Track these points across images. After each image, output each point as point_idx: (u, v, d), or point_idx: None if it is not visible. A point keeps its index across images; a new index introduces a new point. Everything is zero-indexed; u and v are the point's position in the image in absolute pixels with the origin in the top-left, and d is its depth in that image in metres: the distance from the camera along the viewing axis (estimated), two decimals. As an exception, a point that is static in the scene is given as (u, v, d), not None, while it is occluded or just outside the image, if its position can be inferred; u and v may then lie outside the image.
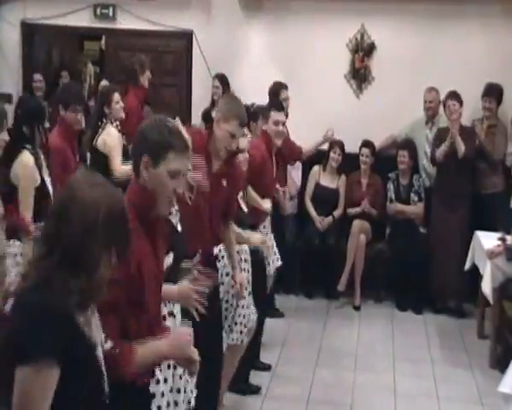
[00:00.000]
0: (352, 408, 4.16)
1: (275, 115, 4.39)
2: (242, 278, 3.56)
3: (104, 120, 4.75)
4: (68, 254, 1.58)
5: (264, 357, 4.74)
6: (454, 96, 5.63)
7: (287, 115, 5.31)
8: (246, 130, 4.52)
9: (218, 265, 3.57)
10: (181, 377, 2.63)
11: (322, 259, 5.85)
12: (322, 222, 5.95)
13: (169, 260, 2.43)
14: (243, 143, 3.72)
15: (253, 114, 4.70)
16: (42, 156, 3.80)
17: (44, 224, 1.72)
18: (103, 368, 1.70)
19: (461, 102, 5.61)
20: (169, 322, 2.74)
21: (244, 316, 3.72)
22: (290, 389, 4.35)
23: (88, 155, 4.83)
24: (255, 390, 4.26)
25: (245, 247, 3.79)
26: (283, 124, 4.46)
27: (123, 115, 4.77)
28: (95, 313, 1.72)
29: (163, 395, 2.43)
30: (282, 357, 4.82)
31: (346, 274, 5.81)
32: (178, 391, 2.54)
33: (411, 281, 5.81)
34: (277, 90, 5.55)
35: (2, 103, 3.53)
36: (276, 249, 4.79)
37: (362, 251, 5.83)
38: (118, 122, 4.76)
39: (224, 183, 3.42)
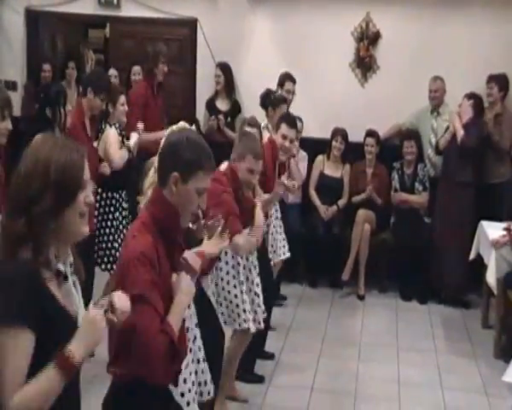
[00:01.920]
0: (355, 397, 4.16)
1: (284, 130, 4.33)
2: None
3: (104, 123, 4.68)
4: (28, 210, 1.63)
5: (268, 345, 4.74)
6: (471, 95, 5.60)
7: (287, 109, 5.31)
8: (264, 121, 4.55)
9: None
10: (203, 371, 2.76)
11: (326, 248, 5.84)
12: (326, 212, 5.94)
13: None
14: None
15: (273, 101, 4.70)
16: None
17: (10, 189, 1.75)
18: None
19: (479, 108, 5.58)
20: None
21: (253, 302, 3.71)
22: (294, 377, 4.36)
23: None
24: (259, 380, 4.27)
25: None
26: (291, 141, 4.37)
27: (124, 119, 4.70)
28: (78, 289, 1.78)
29: (185, 381, 2.51)
30: (286, 346, 4.82)
31: (351, 263, 5.81)
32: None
33: (416, 270, 5.80)
34: (283, 80, 5.52)
35: (6, 91, 3.54)
36: (285, 241, 4.78)
37: (366, 240, 5.82)
38: (117, 124, 4.68)
39: None
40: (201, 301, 3.06)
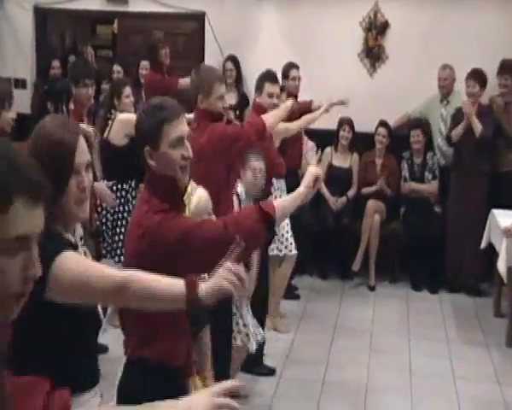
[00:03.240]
0: (367, 388, 4.17)
1: (269, 87, 4.23)
2: None
3: (113, 112, 4.71)
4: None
5: (279, 338, 4.77)
6: (475, 75, 5.55)
7: (296, 96, 5.31)
8: None
9: None
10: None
11: (336, 239, 5.84)
12: (335, 203, 5.93)
13: None
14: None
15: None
16: None
17: None
18: None
19: (482, 83, 5.53)
20: None
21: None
22: (305, 369, 4.37)
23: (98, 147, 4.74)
24: (270, 372, 4.28)
25: None
26: (277, 96, 4.31)
27: (132, 110, 4.72)
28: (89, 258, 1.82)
29: None
30: (297, 337, 4.83)
31: (361, 254, 5.80)
32: None
33: (426, 260, 5.79)
34: (287, 70, 5.51)
35: (6, 83, 3.56)
36: (291, 238, 4.77)
37: (376, 231, 5.81)
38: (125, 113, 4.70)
39: None
40: None
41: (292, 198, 2.25)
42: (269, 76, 4.31)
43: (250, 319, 3.72)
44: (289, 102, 4.09)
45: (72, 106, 3.98)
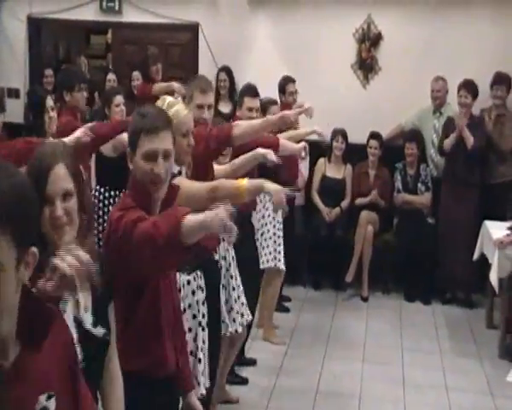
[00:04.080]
0: (360, 400, 4.16)
1: (248, 101, 4.21)
2: None
3: (105, 122, 4.69)
4: None
5: (272, 348, 4.76)
6: (467, 86, 5.59)
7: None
8: None
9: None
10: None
11: (329, 250, 5.84)
12: (329, 214, 5.94)
13: None
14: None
15: (262, 106, 4.68)
16: None
17: None
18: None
19: (474, 93, 5.57)
20: (198, 296, 2.87)
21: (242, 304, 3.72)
22: (298, 380, 4.36)
23: (93, 157, 4.71)
24: (242, 382, 4.26)
25: None
26: (257, 110, 4.26)
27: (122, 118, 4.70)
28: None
29: None
30: (290, 348, 4.82)
31: (354, 265, 5.81)
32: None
33: (419, 271, 5.80)
34: (284, 84, 5.52)
35: None
36: (277, 253, 4.75)
37: (369, 242, 5.83)
38: None
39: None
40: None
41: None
42: (248, 90, 4.30)
43: (234, 303, 3.67)
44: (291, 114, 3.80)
45: (50, 114, 3.94)
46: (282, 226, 4.83)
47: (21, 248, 1.18)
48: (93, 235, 1.99)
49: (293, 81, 5.56)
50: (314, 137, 5.69)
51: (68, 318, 1.68)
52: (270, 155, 3.27)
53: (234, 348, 3.91)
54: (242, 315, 3.67)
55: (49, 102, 3.92)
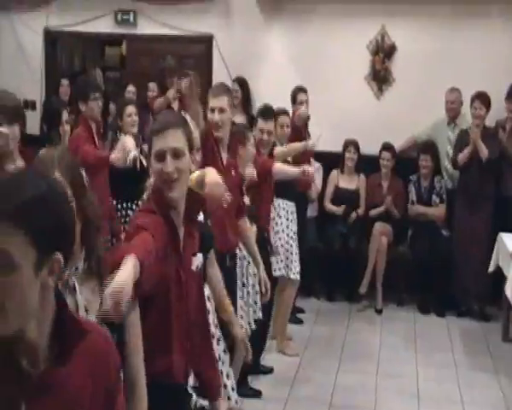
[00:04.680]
0: (374, 413, 4.14)
1: (260, 123, 4.29)
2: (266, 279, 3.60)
3: (118, 133, 4.74)
4: None
5: (286, 360, 4.75)
6: (481, 97, 5.57)
7: (308, 118, 5.34)
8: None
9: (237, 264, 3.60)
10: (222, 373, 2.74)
11: (343, 261, 5.82)
12: (347, 215, 5.90)
13: (199, 260, 2.32)
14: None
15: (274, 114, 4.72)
16: None
17: None
18: None
19: (487, 105, 5.55)
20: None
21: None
22: (312, 392, 4.34)
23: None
24: (255, 394, 4.24)
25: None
26: (269, 133, 4.31)
27: (134, 130, 4.72)
28: (77, 292, 1.77)
29: None
30: (304, 360, 4.81)
31: (368, 277, 5.79)
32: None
33: (434, 283, 5.76)
34: (295, 94, 5.53)
35: (15, 99, 3.58)
36: (296, 262, 4.77)
37: (383, 254, 5.80)
38: (131, 135, 4.70)
39: (233, 173, 3.45)
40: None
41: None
42: (262, 112, 4.36)
43: (240, 301, 3.68)
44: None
45: (67, 127, 3.98)
46: (296, 237, 4.83)
47: (43, 251, 1.19)
48: (101, 244, 1.97)
49: (305, 91, 5.57)
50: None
51: None
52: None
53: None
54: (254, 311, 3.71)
55: (65, 115, 3.96)
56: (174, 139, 2.10)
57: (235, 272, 3.57)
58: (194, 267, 2.23)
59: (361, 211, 6.02)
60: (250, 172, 3.84)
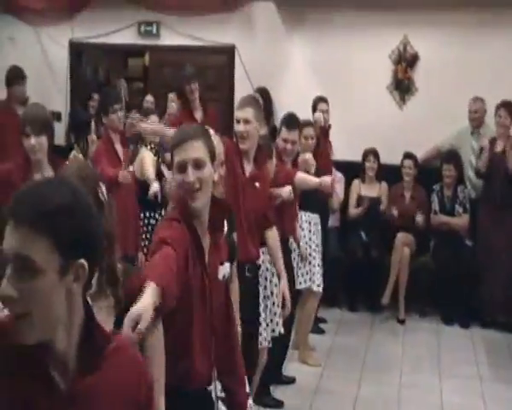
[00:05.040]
0: (397, 425, 4.10)
1: (284, 133, 4.27)
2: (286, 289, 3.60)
3: (139, 144, 4.79)
4: None
5: (308, 370, 4.73)
6: (507, 106, 5.55)
7: (325, 128, 5.32)
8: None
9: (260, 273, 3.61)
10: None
11: (365, 272, 5.80)
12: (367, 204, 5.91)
13: (226, 270, 2.32)
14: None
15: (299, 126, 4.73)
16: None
17: None
18: None
19: None
20: None
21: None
22: (334, 403, 4.32)
23: None
24: (277, 405, 4.23)
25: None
26: (293, 143, 4.27)
27: (156, 140, 4.77)
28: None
29: None
30: (326, 371, 4.79)
31: (390, 287, 5.75)
32: None
33: (457, 294, 5.70)
34: (315, 103, 5.52)
35: (45, 111, 3.64)
36: (319, 274, 4.77)
37: (406, 264, 5.77)
38: (152, 145, 4.75)
39: (258, 185, 3.45)
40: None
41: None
42: (287, 121, 4.33)
43: (263, 314, 3.70)
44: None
45: (93, 137, 4.06)
46: (318, 248, 4.83)
47: (67, 257, 1.22)
48: (115, 262, 1.99)
49: (325, 100, 5.56)
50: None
51: None
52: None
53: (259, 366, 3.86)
54: (273, 330, 3.70)
55: (93, 125, 4.03)
56: (194, 150, 2.14)
57: (255, 284, 3.57)
58: (220, 277, 2.24)
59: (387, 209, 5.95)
60: (287, 192, 3.87)
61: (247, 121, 3.41)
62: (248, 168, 3.48)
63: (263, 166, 3.61)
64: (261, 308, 3.63)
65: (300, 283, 4.65)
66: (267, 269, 3.72)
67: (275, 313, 3.73)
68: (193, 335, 2.13)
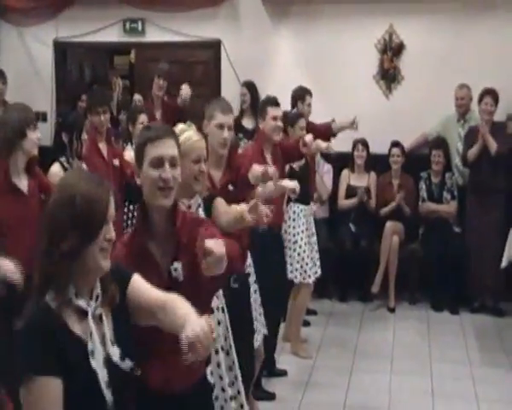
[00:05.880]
0: (388, 412, 4.14)
1: (272, 111, 4.20)
2: None
3: (128, 141, 4.80)
4: (57, 247, 1.63)
5: (299, 362, 4.77)
6: (491, 94, 5.57)
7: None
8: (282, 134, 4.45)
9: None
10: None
11: (355, 261, 5.84)
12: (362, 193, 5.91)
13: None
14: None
15: (290, 120, 4.73)
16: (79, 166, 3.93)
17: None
18: (101, 379, 1.67)
19: (496, 101, 5.55)
20: (218, 316, 2.85)
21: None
22: (326, 393, 4.35)
23: None
24: (269, 397, 4.26)
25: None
26: (280, 118, 4.24)
27: None
28: (104, 322, 1.72)
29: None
30: (318, 361, 4.82)
31: (380, 276, 5.79)
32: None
33: (446, 281, 5.75)
34: (303, 95, 5.53)
35: (29, 109, 3.64)
36: (316, 260, 4.81)
37: (395, 252, 5.80)
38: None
39: (231, 188, 3.27)
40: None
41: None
42: (270, 100, 4.31)
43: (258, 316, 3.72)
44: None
45: (85, 136, 4.06)
46: (311, 239, 4.84)
47: None
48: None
49: (311, 94, 5.52)
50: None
51: (99, 357, 1.68)
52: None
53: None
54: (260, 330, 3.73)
55: (87, 124, 4.04)
56: (171, 148, 2.14)
57: (243, 293, 3.45)
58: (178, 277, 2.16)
59: (373, 203, 6.01)
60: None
61: (230, 127, 3.26)
62: (218, 174, 3.27)
63: (234, 166, 3.37)
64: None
65: (296, 277, 4.72)
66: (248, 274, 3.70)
67: (260, 314, 3.75)
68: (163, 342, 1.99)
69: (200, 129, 2.92)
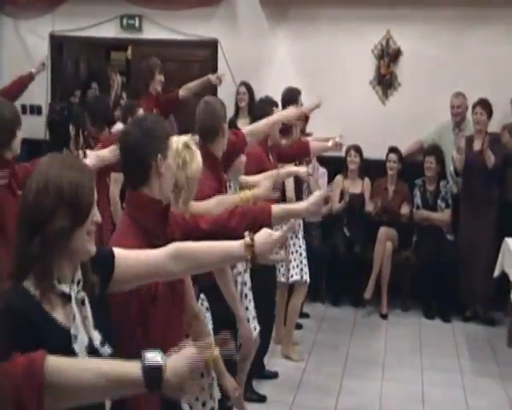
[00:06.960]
0: (379, 418, 4.13)
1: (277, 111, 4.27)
2: None
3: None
4: (41, 230, 1.61)
5: (291, 365, 4.74)
6: (482, 104, 5.58)
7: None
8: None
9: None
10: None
11: (348, 267, 5.82)
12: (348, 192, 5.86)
13: None
14: None
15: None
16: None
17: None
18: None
19: (489, 111, 5.56)
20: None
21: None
22: (317, 397, 4.33)
23: None
24: (260, 399, 4.24)
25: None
26: None
27: None
28: (87, 306, 1.70)
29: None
30: (309, 365, 4.80)
31: (373, 282, 5.78)
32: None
33: (439, 289, 5.75)
34: (296, 96, 5.48)
35: (13, 106, 3.56)
36: (304, 265, 4.78)
37: (388, 259, 5.79)
38: None
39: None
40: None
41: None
42: (274, 102, 4.36)
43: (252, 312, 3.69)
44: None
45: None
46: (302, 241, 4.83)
47: None
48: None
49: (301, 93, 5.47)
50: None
51: (82, 341, 1.65)
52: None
53: (245, 361, 3.85)
54: (255, 328, 3.69)
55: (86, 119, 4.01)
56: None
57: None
58: None
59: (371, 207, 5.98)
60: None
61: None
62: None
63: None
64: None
65: (292, 275, 4.70)
66: (239, 273, 3.66)
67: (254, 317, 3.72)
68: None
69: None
